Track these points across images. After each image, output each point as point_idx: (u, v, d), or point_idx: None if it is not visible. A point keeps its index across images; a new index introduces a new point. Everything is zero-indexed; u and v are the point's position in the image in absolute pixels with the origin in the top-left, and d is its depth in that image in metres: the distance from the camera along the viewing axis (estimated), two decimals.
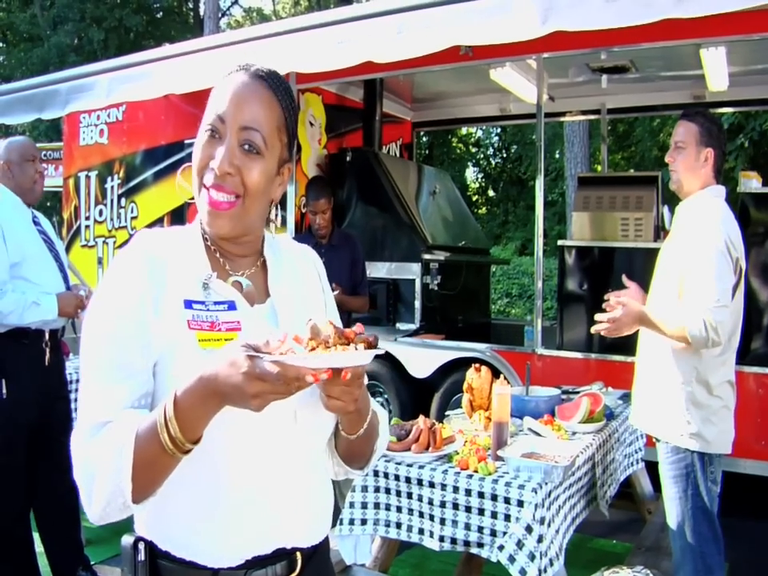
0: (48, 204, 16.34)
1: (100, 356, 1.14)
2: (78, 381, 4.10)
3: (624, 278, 2.90)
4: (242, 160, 1.20)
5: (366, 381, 1.12)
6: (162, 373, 1.15)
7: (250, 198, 1.21)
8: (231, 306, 1.21)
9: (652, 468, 3.05)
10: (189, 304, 1.17)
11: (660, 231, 5.29)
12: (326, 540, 1.33)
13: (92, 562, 3.59)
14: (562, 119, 8.93)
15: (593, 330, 2.74)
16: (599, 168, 14.68)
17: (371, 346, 1.04)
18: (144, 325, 1.14)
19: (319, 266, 1.43)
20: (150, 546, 1.20)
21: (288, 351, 0.98)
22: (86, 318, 1.18)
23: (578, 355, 5.02)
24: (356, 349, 1.02)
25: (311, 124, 6.64)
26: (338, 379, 1.02)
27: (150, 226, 6.47)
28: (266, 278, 1.31)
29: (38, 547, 3.43)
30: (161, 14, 23.31)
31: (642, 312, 2.66)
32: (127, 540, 1.22)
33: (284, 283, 1.31)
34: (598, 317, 2.71)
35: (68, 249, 6.70)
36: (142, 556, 1.20)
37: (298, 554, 1.24)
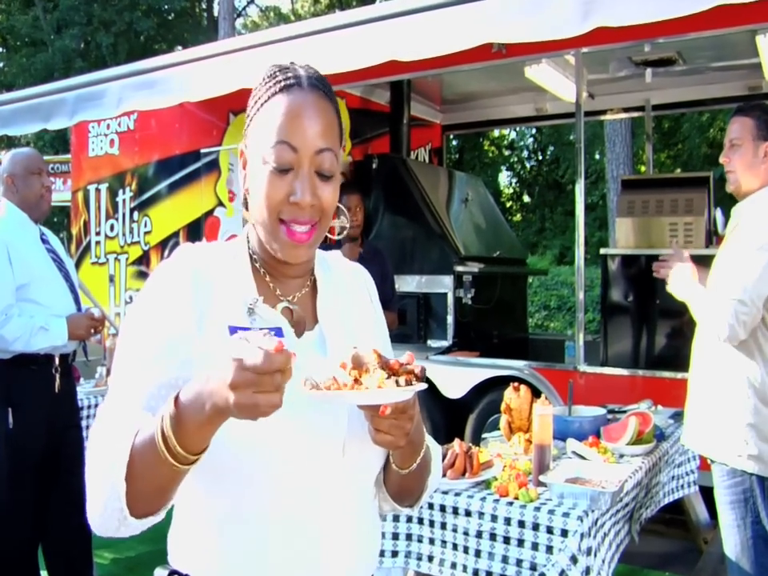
0: (55, 219, 16.53)
1: (135, 362, 1.15)
2: (90, 407, 4.20)
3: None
4: (319, 186, 1.19)
5: (416, 412, 1.12)
6: None
7: (325, 220, 1.22)
8: (278, 334, 1.18)
9: (708, 493, 3.02)
10: (233, 330, 1.15)
11: (712, 236, 5.24)
12: None
13: None
14: (602, 118, 8.89)
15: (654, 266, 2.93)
16: (643, 169, 14.60)
17: (417, 378, 1.05)
18: (188, 339, 1.15)
19: (371, 286, 1.43)
20: None
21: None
22: (125, 328, 1.19)
23: (624, 372, 4.99)
24: (397, 383, 1.03)
25: None
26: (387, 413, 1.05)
27: (165, 240, 6.54)
28: (315, 301, 1.30)
29: None
30: (172, 15, 23.60)
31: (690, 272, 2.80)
32: (161, 573, 1.23)
33: (334, 307, 1.31)
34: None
35: (77, 266, 6.76)
36: None
37: None
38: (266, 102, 1.21)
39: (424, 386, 1.06)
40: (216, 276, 1.22)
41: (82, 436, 3.62)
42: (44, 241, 3.46)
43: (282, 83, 1.21)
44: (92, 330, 3.44)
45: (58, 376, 3.35)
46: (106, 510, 1.06)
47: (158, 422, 1.01)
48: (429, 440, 1.32)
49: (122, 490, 1.03)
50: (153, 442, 1.01)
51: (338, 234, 1.38)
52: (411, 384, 1.04)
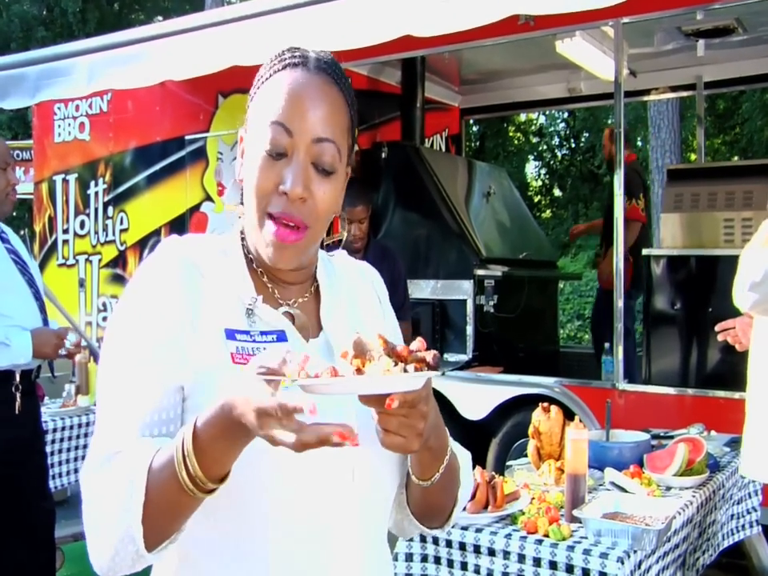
0: (14, 214, 16.55)
1: (124, 380, 1.16)
2: (56, 430, 4.20)
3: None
4: (314, 181, 1.21)
5: (432, 409, 1.10)
6: (198, 408, 1.15)
7: (320, 223, 1.24)
8: (281, 337, 1.22)
9: None
10: (231, 334, 1.19)
11: None
12: None
13: None
14: (646, 98, 8.91)
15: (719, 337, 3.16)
16: (694, 157, 14.57)
17: (429, 367, 1.04)
18: (181, 348, 1.16)
19: (379, 288, 1.46)
20: None
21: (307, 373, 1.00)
22: (110, 333, 1.21)
23: (671, 391, 4.98)
24: (405, 371, 1.02)
25: None
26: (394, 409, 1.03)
27: (145, 239, 6.56)
28: (318, 308, 1.32)
29: None
30: None
31: None
32: None
33: (339, 314, 1.33)
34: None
35: (42, 269, 6.73)
36: None
37: None
38: (267, 79, 1.25)
39: (437, 373, 1.04)
40: (209, 272, 1.24)
41: (47, 464, 3.61)
42: (3, 240, 3.43)
43: (287, 61, 1.24)
44: (60, 350, 3.41)
45: (18, 395, 3.30)
46: (118, 554, 1.08)
47: (178, 445, 1.04)
48: (455, 445, 1.32)
49: (140, 534, 1.06)
50: (170, 471, 1.04)
51: (339, 244, 1.40)
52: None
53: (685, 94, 8.36)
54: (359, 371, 1.02)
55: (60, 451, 4.27)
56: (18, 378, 3.31)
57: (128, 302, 1.22)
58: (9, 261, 3.39)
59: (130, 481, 1.06)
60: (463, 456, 1.36)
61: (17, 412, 3.30)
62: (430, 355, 1.04)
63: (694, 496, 2.91)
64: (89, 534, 1.11)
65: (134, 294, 1.22)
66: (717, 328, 3.19)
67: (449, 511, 1.35)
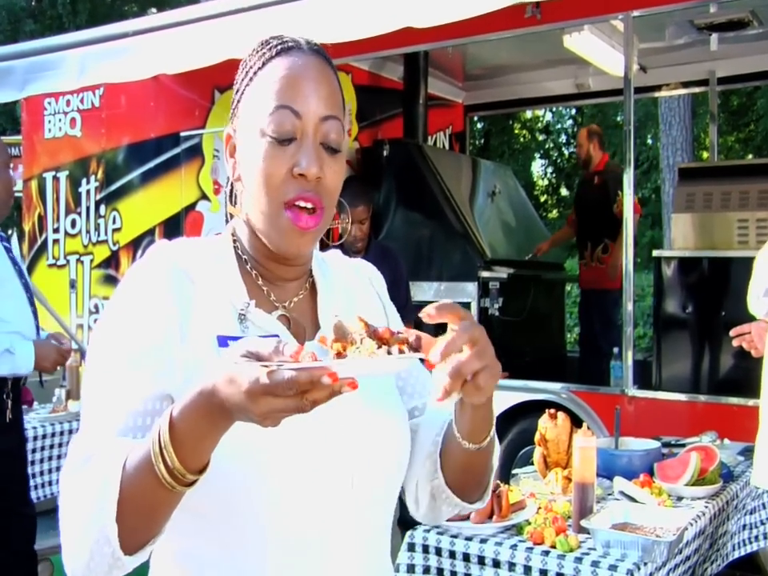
0: None
1: (107, 385, 1.17)
2: (45, 437, 4.19)
3: None
4: (325, 160, 1.22)
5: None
6: None
7: (332, 203, 1.25)
8: None
9: None
10: (224, 341, 1.18)
11: None
12: None
13: None
14: (656, 94, 8.90)
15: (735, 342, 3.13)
16: (706, 155, 14.57)
17: (411, 348, 1.05)
18: (170, 346, 1.17)
19: (377, 284, 1.46)
20: None
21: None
22: (95, 341, 1.21)
23: (682, 397, 4.98)
24: (389, 353, 1.02)
25: None
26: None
27: (138, 239, 6.54)
28: (314, 306, 1.33)
29: None
30: None
31: None
32: None
33: (336, 311, 1.31)
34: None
35: (30, 270, 6.75)
36: None
37: None
38: (260, 69, 1.25)
39: (420, 354, 1.05)
40: (199, 277, 1.24)
41: (27, 472, 3.63)
42: (1, 238, 3.43)
43: (279, 47, 1.25)
44: (58, 366, 3.42)
45: (9, 402, 3.30)
46: (93, 559, 1.06)
47: (154, 437, 1.02)
48: None
49: (114, 532, 1.04)
50: (146, 465, 1.02)
51: (340, 238, 1.41)
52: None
53: (697, 89, 8.35)
54: (339, 355, 1.02)
55: (50, 458, 4.26)
56: (9, 385, 3.30)
57: (114, 308, 1.22)
58: (8, 263, 3.39)
59: (103, 479, 1.05)
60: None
61: (7, 420, 3.29)
62: (412, 336, 1.06)
63: (706, 506, 2.91)
64: (64, 539, 1.10)
65: (121, 298, 1.22)
66: (732, 333, 3.18)
67: (489, 479, 1.36)
